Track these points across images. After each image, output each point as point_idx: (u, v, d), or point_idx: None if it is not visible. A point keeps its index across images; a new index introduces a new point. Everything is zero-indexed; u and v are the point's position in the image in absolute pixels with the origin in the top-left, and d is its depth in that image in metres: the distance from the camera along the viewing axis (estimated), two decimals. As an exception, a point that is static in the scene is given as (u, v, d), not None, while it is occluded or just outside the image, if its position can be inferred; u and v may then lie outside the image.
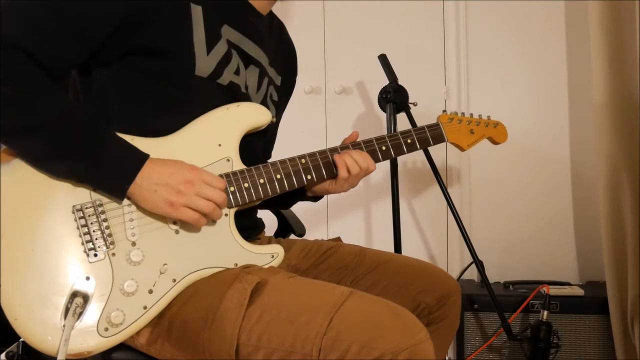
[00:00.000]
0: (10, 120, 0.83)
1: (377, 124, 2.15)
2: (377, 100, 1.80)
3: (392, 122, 1.74)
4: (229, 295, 0.87)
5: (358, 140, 1.15)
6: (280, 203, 1.28)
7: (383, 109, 1.78)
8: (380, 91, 1.78)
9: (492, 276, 1.93)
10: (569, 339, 1.77)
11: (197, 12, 0.98)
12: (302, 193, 1.20)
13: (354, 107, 2.19)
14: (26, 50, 0.84)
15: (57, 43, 0.87)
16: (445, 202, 1.76)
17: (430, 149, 1.52)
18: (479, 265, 1.73)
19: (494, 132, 1.30)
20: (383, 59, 1.80)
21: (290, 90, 1.34)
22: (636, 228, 1.67)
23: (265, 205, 1.22)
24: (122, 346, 0.94)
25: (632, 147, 1.68)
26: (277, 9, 1.21)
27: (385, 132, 1.92)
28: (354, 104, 2.19)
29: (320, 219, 2.22)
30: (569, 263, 2.07)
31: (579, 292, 1.81)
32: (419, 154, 1.92)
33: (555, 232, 2.07)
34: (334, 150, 1.11)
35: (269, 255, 0.99)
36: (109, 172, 0.88)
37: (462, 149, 1.28)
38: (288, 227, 1.42)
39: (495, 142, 1.33)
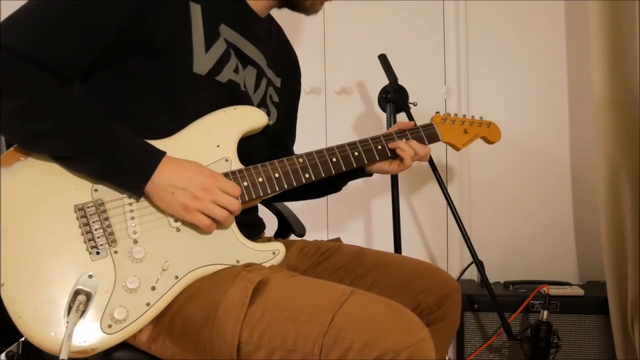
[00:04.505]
0: (23, 129, 0.86)
1: (377, 124, 2.15)
2: (377, 100, 1.80)
3: (392, 122, 1.74)
4: (230, 293, 0.87)
5: (354, 140, 1.15)
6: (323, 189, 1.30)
7: (383, 109, 1.78)
8: (380, 91, 1.78)
9: (492, 276, 1.93)
10: (569, 339, 1.77)
11: (196, 10, 0.99)
12: (353, 173, 1.23)
13: (354, 107, 2.19)
14: (34, 58, 0.86)
15: (64, 47, 0.89)
16: (445, 202, 1.76)
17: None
18: (479, 265, 1.73)
19: (488, 132, 1.33)
20: (383, 59, 1.80)
21: (295, 91, 1.36)
22: (636, 228, 1.67)
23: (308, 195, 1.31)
24: (123, 345, 0.94)
25: (632, 147, 1.68)
26: (275, 11, 1.22)
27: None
28: (354, 104, 2.19)
29: (320, 220, 2.22)
30: (569, 263, 2.06)
31: (579, 292, 1.80)
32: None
33: (556, 232, 2.07)
34: (330, 150, 1.12)
35: (270, 252, 1.00)
36: (125, 171, 0.90)
37: (457, 149, 1.30)
38: (288, 228, 1.42)
39: (489, 142, 1.35)
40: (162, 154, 0.92)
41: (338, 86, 2.16)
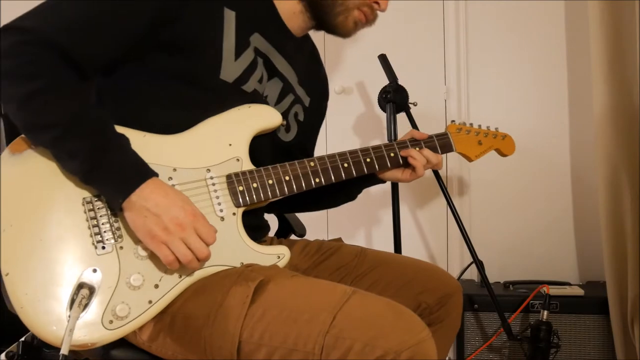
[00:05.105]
0: (29, 116, 0.86)
1: (377, 124, 2.15)
2: (377, 100, 1.79)
3: (392, 122, 1.73)
4: (231, 292, 0.87)
5: (366, 146, 1.15)
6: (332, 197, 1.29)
7: (383, 109, 1.77)
8: (380, 91, 1.77)
9: (492, 276, 1.93)
10: (569, 339, 1.77)
11: (230, 16, 0.99)
12: (364, 181, 1.22)
13: (354, 107, 2.19)
14: (58, 46, 0.86)
15: (89, 40, 0.89)
16: (445, 202, 1.76)
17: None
18: (479, 265, 1.72)
19: (502, 144, 1.30)
20: (383, 59, 1.80)
21: (321, 114, 1.34)
22: (636, 228, 1.67)
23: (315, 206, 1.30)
24: (123, 344, 0.94)
25: (632, 147, 1.68)
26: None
27: (385, 133, 1.92)
28: (354, 104, 2.19)
29: (321, 220, 2.22)
30: (569, 263, 2.07)
31: (579, 292, 1.80)
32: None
33: (556, 232, 2.07)
34: (342, 155, 1.11)
35: (274, 256, 1.00)
36: (109, 182, 0.88)
37: (469, 159, 1.28)
38: (289, 227, 1.42)
39: (502, 154, 1.32)
40: (150, 174, 0.88)
41: (338, 86, 2.16)
